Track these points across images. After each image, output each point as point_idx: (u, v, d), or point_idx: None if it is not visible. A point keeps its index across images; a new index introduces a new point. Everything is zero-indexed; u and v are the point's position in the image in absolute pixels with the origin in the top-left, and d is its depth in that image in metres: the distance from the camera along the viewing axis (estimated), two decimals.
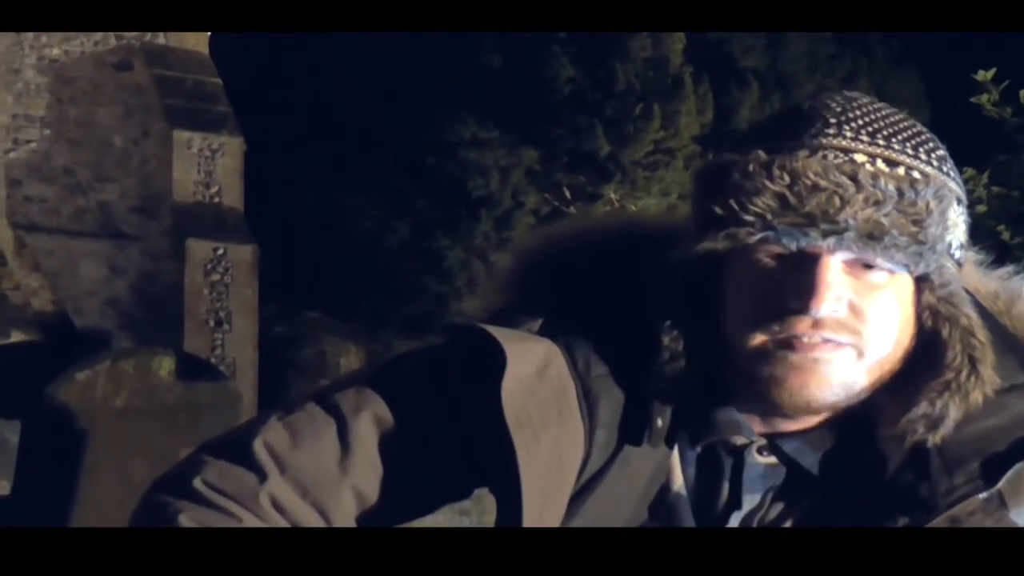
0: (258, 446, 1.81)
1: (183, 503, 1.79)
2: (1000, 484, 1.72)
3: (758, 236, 1.70)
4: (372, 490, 1.81)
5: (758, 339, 1.73)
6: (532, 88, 21.35)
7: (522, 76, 21.37)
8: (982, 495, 1.72)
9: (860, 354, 1.73)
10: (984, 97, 9.27)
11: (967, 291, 1.81)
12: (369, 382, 1.85)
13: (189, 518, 1.77)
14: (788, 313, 1.71)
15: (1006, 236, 9.10)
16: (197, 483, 1.79)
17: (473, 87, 21.26)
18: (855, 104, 1.76)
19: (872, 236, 1.68)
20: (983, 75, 9.26)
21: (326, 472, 1.80)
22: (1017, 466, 1.72)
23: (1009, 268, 1.88)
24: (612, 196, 20.30)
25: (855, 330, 1.72)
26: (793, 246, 1.70)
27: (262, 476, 1.79)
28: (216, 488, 1.79)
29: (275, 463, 1.80)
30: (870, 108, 1.76)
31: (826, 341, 1.71)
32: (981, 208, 9.13)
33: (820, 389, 1.73)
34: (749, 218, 1.69)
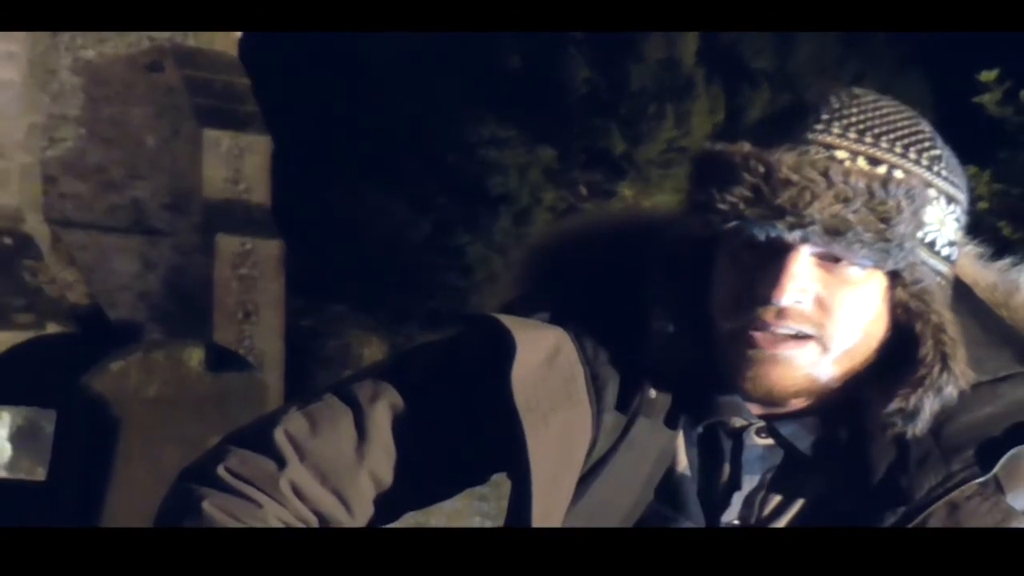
0: (279, 435, 1.85)
1: (206, 490, 1.83)
2: (996, 469, 1.74)
3: (730, 225, 1.73)
4: (389, 475, 1.85)
5: (728, 325, 1.76)
6: (549, 88, 21.28)
7: (539, 77, 21.33)
8: (979, 480, 1.74)
9: (824, 348, 1.75)
10: (987, 97, 9.48)
11: (964, 283, 1.84)
12: (385, 372, 1.89)
13: (212, 504, 1.81)
14: (755, 302, 1.74)
15: (1007, 232, 9.17)
16: (220, 471, 1.84)
17: (492, 88, 21.23)
18: (856, 101, 1.77)
19: (837, 231, 1.69)
20: (987, 76, 9.47)
21: (344, 458, 1.84)
22: (1013, 451, 1.74)
23: (1007, 260, 1.89)
24: (627, 193, 20.24)
25: (819, 323, 1.74)
26: (763, 237, 1.72)
27: (282, 463, 1.83)
28: (238, 475, 1.83)
29: (295, 450, 1.84)
30: (871, 106, 1.77)
31: (789, 334, 1.74)
32: (983, 205, 9.11)
33: (782, 380, 1.75)
34: (723, 207, 1.72)
